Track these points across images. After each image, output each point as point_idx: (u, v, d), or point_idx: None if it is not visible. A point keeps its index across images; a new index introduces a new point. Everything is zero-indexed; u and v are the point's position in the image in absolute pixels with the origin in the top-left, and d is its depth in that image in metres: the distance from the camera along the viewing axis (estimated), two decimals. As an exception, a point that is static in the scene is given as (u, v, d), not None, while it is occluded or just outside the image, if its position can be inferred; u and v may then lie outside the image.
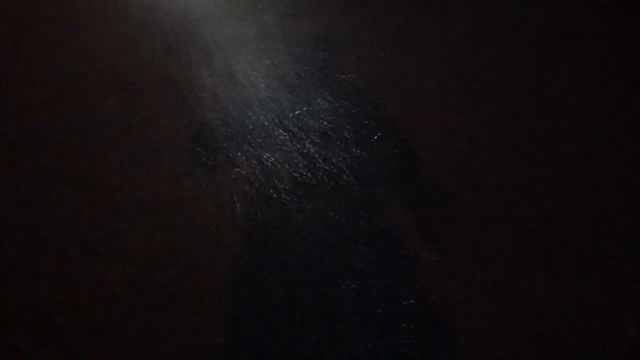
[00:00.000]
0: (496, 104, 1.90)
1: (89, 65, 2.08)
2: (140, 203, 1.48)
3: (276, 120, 1.79)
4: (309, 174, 1.59)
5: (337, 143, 1.71)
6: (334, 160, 1.65)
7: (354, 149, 1.68)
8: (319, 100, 1.88)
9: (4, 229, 1.39)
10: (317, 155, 1.66)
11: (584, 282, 1.32)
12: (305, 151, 1.67)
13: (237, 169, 1.61)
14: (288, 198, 1.51)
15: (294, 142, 1.70)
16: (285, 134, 1.74)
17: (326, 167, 1.62)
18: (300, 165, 1.62)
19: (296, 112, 1.83)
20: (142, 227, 1.42)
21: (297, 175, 1.59)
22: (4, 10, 2.47)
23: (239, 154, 1.66)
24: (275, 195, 1.52)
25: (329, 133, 1.74)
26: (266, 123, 1.77)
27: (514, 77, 2.04)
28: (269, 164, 1.62)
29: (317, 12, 2.42)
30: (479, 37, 2.27)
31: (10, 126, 1.73)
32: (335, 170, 1.61)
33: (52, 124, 1.78)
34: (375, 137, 1.73)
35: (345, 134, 1.74)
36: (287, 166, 1.62)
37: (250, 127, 1.76)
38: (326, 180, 1.58)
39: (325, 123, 1.78)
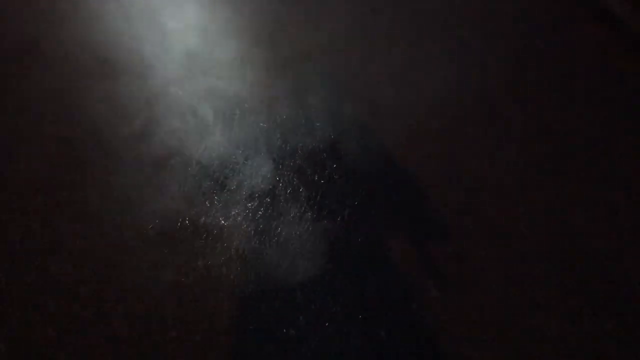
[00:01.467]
0: (508, 141, 1.93)
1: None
2: (149, 239, 1.50)
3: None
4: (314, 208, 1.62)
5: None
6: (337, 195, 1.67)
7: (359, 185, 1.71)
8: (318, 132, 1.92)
9: (11, 267, 1.40)
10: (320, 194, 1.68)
11: (596, 324, 1.31)
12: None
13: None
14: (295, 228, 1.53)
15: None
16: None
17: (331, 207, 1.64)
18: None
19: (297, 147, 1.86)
20: (149, 263, 1.43)
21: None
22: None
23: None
24: (279, 235, 1.54)
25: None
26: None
27: (523, 117, 2.08)
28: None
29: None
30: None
31: (20, 159, 1.76)
32: (340, 207, 1.63)
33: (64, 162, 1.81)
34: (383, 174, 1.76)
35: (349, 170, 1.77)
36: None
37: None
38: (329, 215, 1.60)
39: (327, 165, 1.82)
